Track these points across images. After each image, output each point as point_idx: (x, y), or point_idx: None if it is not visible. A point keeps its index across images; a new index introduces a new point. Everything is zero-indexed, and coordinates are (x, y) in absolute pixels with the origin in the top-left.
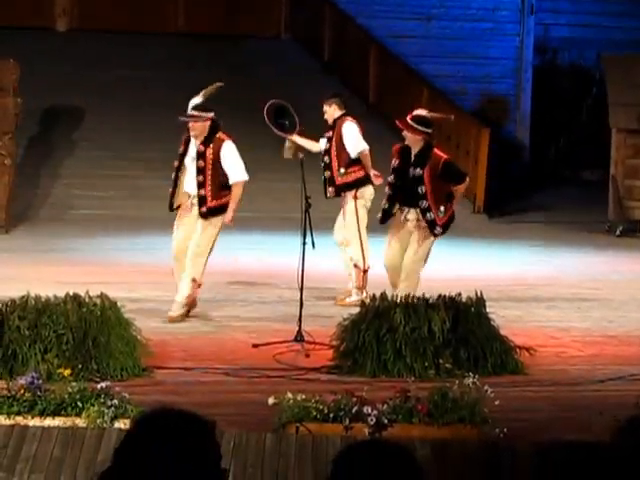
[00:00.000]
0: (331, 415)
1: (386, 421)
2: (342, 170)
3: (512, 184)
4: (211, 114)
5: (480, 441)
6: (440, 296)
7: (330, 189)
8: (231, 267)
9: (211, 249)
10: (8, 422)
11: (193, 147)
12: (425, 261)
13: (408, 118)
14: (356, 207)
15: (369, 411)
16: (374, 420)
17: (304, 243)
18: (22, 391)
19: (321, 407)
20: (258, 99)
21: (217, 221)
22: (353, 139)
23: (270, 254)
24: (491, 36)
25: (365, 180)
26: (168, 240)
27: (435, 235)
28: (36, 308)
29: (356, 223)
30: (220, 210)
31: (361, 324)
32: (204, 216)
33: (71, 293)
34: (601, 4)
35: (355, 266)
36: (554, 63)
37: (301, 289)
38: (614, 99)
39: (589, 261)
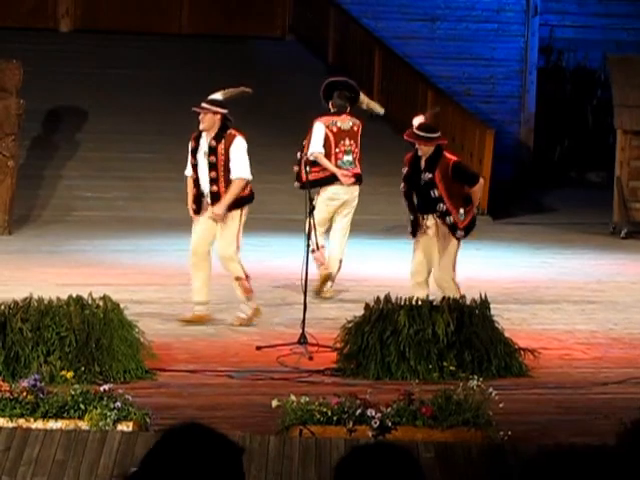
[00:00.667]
0: (335, 418)
1: (390, 424)
2: (307, 168)
3: (516, 186)
4: (223, 110)
5: (484, 444)
6: (444, 298)
7: (296, 183)
8: None
9: (238, 244)
10: (10, 425)
11: (204, 142)
12: (455, 263)
13: (414, 130)
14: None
15: (373, 414)
16: (378, 423)
17: (308, 245)
18: (24, 393)
19: (324, 410)
20: (262, 100)
21: (235, 215)
22: (312, 140)
23: (274, 256)
24: (496, 37)
25: (326, 180)
26: (172, 242)
27: (457, 239)
28: (39, 310)
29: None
30: (236, 204)
31: (365, 326)
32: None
33: (74, 295)
34: (606, 5)
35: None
36: (559, 64)
37: (305, 291)
38: (619, 100)
39: (593, 263)
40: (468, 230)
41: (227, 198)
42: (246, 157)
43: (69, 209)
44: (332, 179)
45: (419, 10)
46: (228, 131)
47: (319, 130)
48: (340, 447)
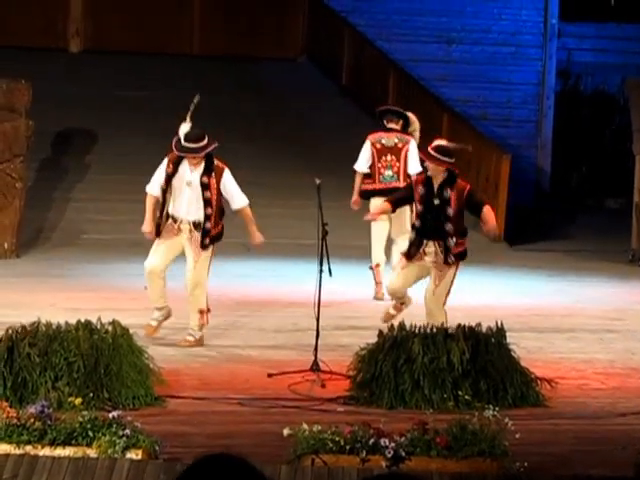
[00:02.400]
0: (347, 447)
1: (404, 454)
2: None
3: (533, 211)
4: (206, 139)
5: (500, 475)
6: (459, 326)
7: None
8: (245, 294)
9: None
10: (18, 452)
11: (185, 170)
12: (448, 293)
13: (429, 149)
14: None
15: (386, 443)
16: (391, 452)
17: (321, 271)
18: (32, 420)
19: (337, 439)
20: (274, 122)
21: (210, 248)
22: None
23: (286, 282)
24: (513, 61)
25: (368, 193)
26: (181, 266)
27: (448, 264)
28: (47, 335)
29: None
30: (218, 237)
31: (378, 354)
32: (205, 247)
33: (83, 320)
34: (625, 29)
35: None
36: (577, 89)
37: (317, 318)
38: (638, 125)
39: (612, 291)
40: (458, 258)
41: (254, 226)
42: (237, 185)
43: (78, 232)
44: (372, 193)
45: (435, 32)
46: (215, 163)
47: (365, 147)
48: (353, 477)
